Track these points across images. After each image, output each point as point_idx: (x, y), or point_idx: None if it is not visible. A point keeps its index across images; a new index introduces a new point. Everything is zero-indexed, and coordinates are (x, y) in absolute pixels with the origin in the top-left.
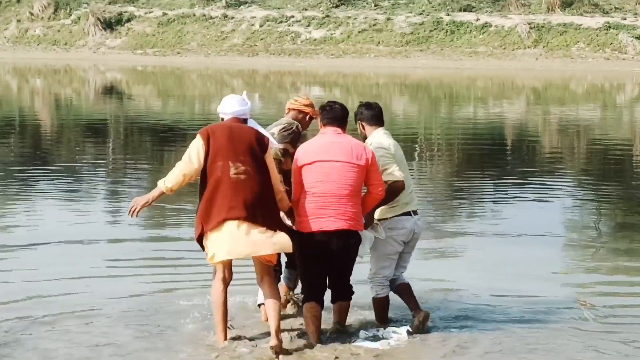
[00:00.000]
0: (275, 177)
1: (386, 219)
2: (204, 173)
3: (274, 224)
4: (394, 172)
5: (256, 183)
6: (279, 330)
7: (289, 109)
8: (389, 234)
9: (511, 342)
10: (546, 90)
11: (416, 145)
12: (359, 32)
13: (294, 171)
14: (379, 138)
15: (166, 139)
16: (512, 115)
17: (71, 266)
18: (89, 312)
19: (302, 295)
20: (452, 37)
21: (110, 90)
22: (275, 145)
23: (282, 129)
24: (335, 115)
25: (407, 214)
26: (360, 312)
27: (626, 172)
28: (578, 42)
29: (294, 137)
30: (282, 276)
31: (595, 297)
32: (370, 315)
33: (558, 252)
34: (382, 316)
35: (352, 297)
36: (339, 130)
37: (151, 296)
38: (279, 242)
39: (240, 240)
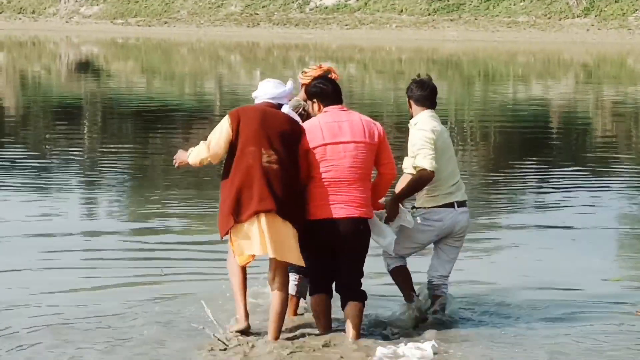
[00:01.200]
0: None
1: (424, 207)
2: (231, 156)
3: (300, 219)
4: (424, 160)
5: (287, 174)
6: (277, 334)
7: (302, 84)
8: (423, 223)
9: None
10: (599, 67)
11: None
12: None
13: (300, 153)
14: (424, 120)
15: (151, 124)
16: (559, 96)
17: (24, 260)
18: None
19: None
20: (488, 4)
21: (85, 67)
22: None
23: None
24: (327, 94)
25: (450, 205)
26: (375, 324)
27: None
28: (637, 10)
29: (302, 120)
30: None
31: None
32: (392, 323)
33: (609, 250)
34: (408, 287)
35: (365, 302)
36: (343, 107)
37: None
38: (292, 254)
39: (271, 239)
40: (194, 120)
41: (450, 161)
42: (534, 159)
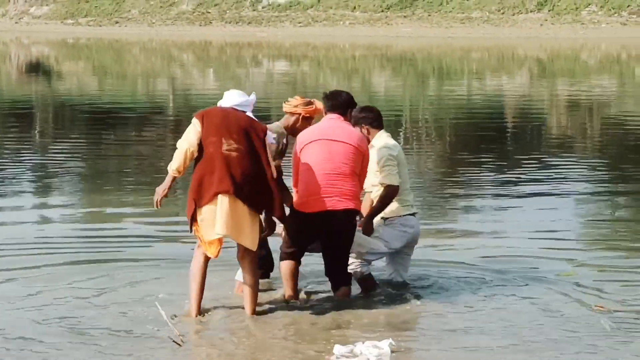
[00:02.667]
0: (271, 169)
1: (400, 215)
2: (200, 151)
3: (260, 205)
4: (390, 177)
5: (247, 162)
6: (253, 312)
7: (286, 112)
8: (400, 229)
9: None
10: (553, 62)
11: (400, 129)
12: None
13: (294, 156)
14: (384, 139)
15: (104, 124)
16: (513, 91)
17: None
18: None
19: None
20: (441, 0)
21: (35, 68)
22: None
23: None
24: (336, 102)
25: (414, 214)
26: (334, 319)
27: None
28: (590, 4)
29: (281, 151)
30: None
31: (613, 300)
32: (348, 323)
33: (564, 249)
34: (368, 289)
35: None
36: (341, 117)
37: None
38: (249, 237)
39: (228, 220)
40: (147, 119)
41: (407, 176)
42: (489, 154)
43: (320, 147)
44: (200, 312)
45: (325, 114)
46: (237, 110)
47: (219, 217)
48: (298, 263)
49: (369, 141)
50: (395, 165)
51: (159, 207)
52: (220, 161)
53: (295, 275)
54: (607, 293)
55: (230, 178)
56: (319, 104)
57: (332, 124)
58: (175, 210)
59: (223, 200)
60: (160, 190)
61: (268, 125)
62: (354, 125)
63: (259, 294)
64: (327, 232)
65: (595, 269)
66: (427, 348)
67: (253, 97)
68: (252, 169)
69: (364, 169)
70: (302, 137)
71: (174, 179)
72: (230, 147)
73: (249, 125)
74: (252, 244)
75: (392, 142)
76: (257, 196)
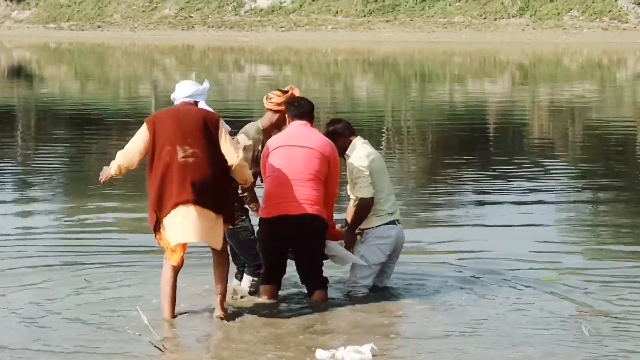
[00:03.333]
0: (230, 151)
1: (373, 227)
2: (151, 160)
3: (223, 208)
4: (362, 190)
5: (205, 165)
6: (223, 303)
7: (266, 109)
8: (375, 243)
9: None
10: (535, 67)
11: (382, 134)
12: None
13: (262, 163)
14: (359, 147)
15: (85, 128)
16: (495, 96)
17: None
18: None
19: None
20: (424, 4)
21: (17, 72)
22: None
23: (244, 148)
24: (301, 110)
25: (393, 222)
26: (316, 323)
27: (628, 159)
28: (571, 9)
29: (260, 137)
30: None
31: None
32: (329, 327)
33: (547, 253)
34: None
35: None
36: (307, 124)
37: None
38: (215, 238)
39: (191, 226)
40: (129, 124)
41: (387, 181)
42: (471, 158)
43: (281, 153)
44: (174, 316)
45: (290, 121)
46: (189, 104)
47: (181, 225)
48: (277, 286)
49: (343, 151)
50: (367, 177)
51: (103, 183)
52: (178, 170)
53: (275, 298)
54: (589, 298)
55: (190, 187)
56: (296, 91)
57: (298, 130)
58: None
59: (183, 210)
60: (105, 174)
61: (244, 128)
62: (333, 141)
63: (248, 296)
64: (287, 237)
65: (577, 273)
66: (408, 352)
67: (206, 84)
68: (211, 172)
69: (332, 174)
70: (269, 143)
71: (113, 177)
72: (186, 153)
73: (203, 119)
74: (217, 243)
75: (366, 151)
76: (215, 198)
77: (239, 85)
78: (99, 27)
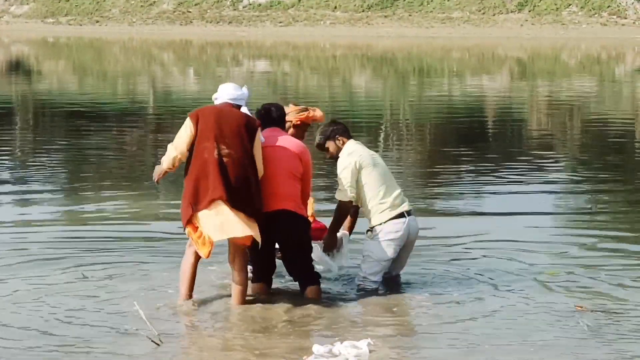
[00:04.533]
0: (259, 162)
1: (380, 224)
2: (191, 154)
3: (253, 212)
4: (339, 193)
5: (239, 167)
6: (243, 294)
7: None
8: (384, 239)
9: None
10: (533, 62)
11: (380, 129)
12: None
13: (255, 147)
14: (349, 146)
15: (83, 124)
16: (494, 92)
17: None
18: None
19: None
20: (422, 0)
21: (16, 67)
22: None
23: None
24: (270, 118)
25: (401, 215)
26: (313, 318)
27: (626, 155)
28: (570, 5)
29: None
30: None
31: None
32: (327, 322)
33: (547, 246)
34: None
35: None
36: (278, 129)
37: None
38: (253, 230)
39: (226, 223)
40: (127, 119)
41: (384, 176)
42: (470, 153)
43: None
44: (191, 297)
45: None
46: (231, 105)
47: (218, 222)
48: (268, 283)
49: (338, 151)
50: (346, 178)
51: (158, 183)
52: (214, 167)
53: (266, 295)
54: (589, 293)
55: (224, 184)
56: (318, 113)
57: (272, 134)
58: (154, 212)
59: (220, 205)
60: (158, 172)
61: None
62: (328, 139)
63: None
64: (272, 232)
65: (578, 268)
66: (406, 347)
67: (246, 90)
68: (244, 174)
69: (306, 173)
70: None
71: (167, 172)
72: (222, 152)
73: (243, 124)
74: (255, 234)
75: (349, 149)
76: (248, 200)
77: (237, 80)
78: (97, 22)
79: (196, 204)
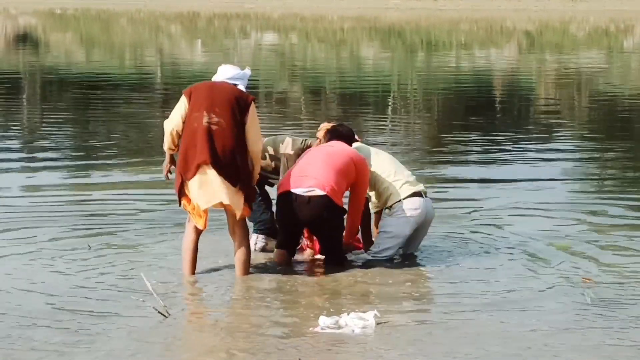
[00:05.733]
0: (254, 137)
1: (399, 200)
2: (184, 126)
3: (242, 184)
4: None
5: (227, 136)
6: (246, 265)
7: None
8: (403, 215)
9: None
10: (541, 35)
11: (389, 101)
12: None
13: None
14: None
15: (92, 96)
16: (502, 64)
17: None
18: None
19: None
20: None
21: (23, 39)
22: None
23: (283, 154)
24: (337, 132)
25: (418, 194)
26: (320, 290)
27: (634, 128)
28: None
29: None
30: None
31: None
32: (334, 294)
33: (555, 222)
34: None
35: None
36: (343, 143)
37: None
38: (236, 203)
39: (213, 190)
40: (134, 91)
41: (393, 160)
42: (477, 126)
43: (318, 149)
44: (194, 273)
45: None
46: (227, 83)
47: (206, 188)
48: (291, 253)
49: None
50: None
51: (168, 178)
52: (202, 134)
53: (288, 263)
54: (596, 265)
55: (209, 149)
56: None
57: (336, 142)
58: (161, 183)
59: (206, 171)
60: (164, 166)
61: (295, 138)
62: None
63: (256, 257)
64: (298, 214)
65: (587, 241)
66: (412, 319)
67: (247, 71)
68: (232, 143)
69: (360, 181)
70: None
71: (171, 155)
72: (212, 120)
73: (234, 97)
74: (238, 208)
75: (355, 146)
76: (234, 169)
77: (244, 52)
78: None
79: (186, 172)
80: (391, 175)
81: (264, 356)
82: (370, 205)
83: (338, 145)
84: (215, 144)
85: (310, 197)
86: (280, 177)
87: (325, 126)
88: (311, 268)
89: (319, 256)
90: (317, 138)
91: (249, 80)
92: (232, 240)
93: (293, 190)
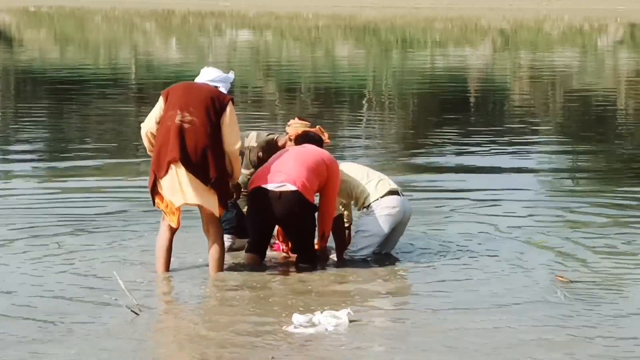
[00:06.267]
0: (231, 137)
1: (377, 199)
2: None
3: (214, 183)
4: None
5: (200, 135)
6: (218, 265)
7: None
8: (381, 214)
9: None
10: (516, 33)
11: (363, 100)
12: None
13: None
14: None
15: (65, 94)
16: (477, 63)
17: None
18: None
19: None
20: None
21: None
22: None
23: (247, 146)
24: (309, 136)
25: (395, 192)
26: (294, 288)
27: (608, 126)
28: None
29: (268, 147)
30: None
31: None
32: (307, 292)
33: (530, 219)
34: None
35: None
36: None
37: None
38: (208, 201)
39: (183, 189)
40: (109, 89)
41: (357, 166)
42: (452, 129)
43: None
44: (168, 270)
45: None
46: (207, 84)
47: (177, 186)
48: (262, 255)
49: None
50: None
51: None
52: (174, 132)
53: (258, 266)
54: (572, 262)
55: (180, 147)
56: (325, 135)
57: (308, 144)
58: (133, 181)
59: (177, 169)
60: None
61: (261, 132)
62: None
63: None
64: (268, 210)
65: (561, 239)
66: (385, 317)
67: (231, 74)
68: (204, 142)
69: (330, 183)
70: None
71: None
72: (184, 119)
73: (211, 96)
74: (212, 206)
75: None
76: (204, 168)
77: (219, 51)
78: None
79: (158, 170)
80: (364, 178)
81: (236, 354)
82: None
83: (310, 147)
84: (186, 142)
85: (281, 192)
86: (243, 170)
87: (295, 122)
88: (285, 267)
89: (290, 254)
90: (287, 134)
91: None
92: (207, 238)
93: (264, 186)
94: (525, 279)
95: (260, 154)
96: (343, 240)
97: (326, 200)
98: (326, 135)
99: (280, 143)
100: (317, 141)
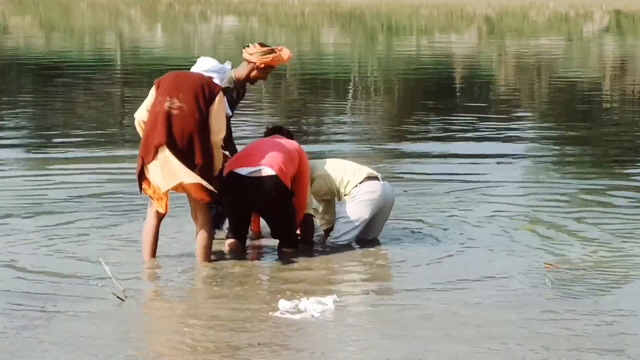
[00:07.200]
0: (216, 126)
1: (357, 185)
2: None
3: (200, 170)
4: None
5: (188, 121)
6: (206, 253)
7: (243, 59)
8: (362, 199)
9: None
10: (501, 20)
11: (349, 86)
12: None
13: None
14: None
15: (50, 80)
16: (462, 49)
17: None
18: None
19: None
20: None
21: None
22: None
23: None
24: (278, 128)
25: (374, 177)
26: (281, 274)
27: (593, 111)
28: None
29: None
30: None
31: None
32: (294, 278)
33: (517, 204)
34: None
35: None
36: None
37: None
38: (195, 185)
39: (173, 170)
40: (94, 75)
41: (331, 160)
42: (438, 111)
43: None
44: (154, 257)
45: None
46: (200, 74)
47: (166, 170)
48: (242, 241)
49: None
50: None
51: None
52: (162, 117)
53: (240, 252)
54: (558, 249)
55: (167, 131)
56: (285, 53)
57: (278, 136)
58: (120, 168)
59: (164, 153)
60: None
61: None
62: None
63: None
64: (244, 194)
65: (549, 226)
66: (371, 304)
67: (227, 65)
68: (191, 129)
69: (302, 171)
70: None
71: None
72: (173, 105)
73: (201, 84)
74: (198, 191)
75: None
76: (190, 153)
77: (204, 37)
78: None
79: (146, 155)
80: (340, 169)
81: (223, 340)
82: (320, 221)
83: (281, 137)
84: (173, 128)
85: (258, 176)
86: None
87: (257, 50)
88: (270, 253)
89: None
90: (248, 63)
91: None
92: (195, 225)
93: (239, 171)
94: (512, 263)
95: (233, 95)
96: (310, 238)
97: (298, 190)
98: (286, 54)
99: (242, 74)
100: (287, 134)
